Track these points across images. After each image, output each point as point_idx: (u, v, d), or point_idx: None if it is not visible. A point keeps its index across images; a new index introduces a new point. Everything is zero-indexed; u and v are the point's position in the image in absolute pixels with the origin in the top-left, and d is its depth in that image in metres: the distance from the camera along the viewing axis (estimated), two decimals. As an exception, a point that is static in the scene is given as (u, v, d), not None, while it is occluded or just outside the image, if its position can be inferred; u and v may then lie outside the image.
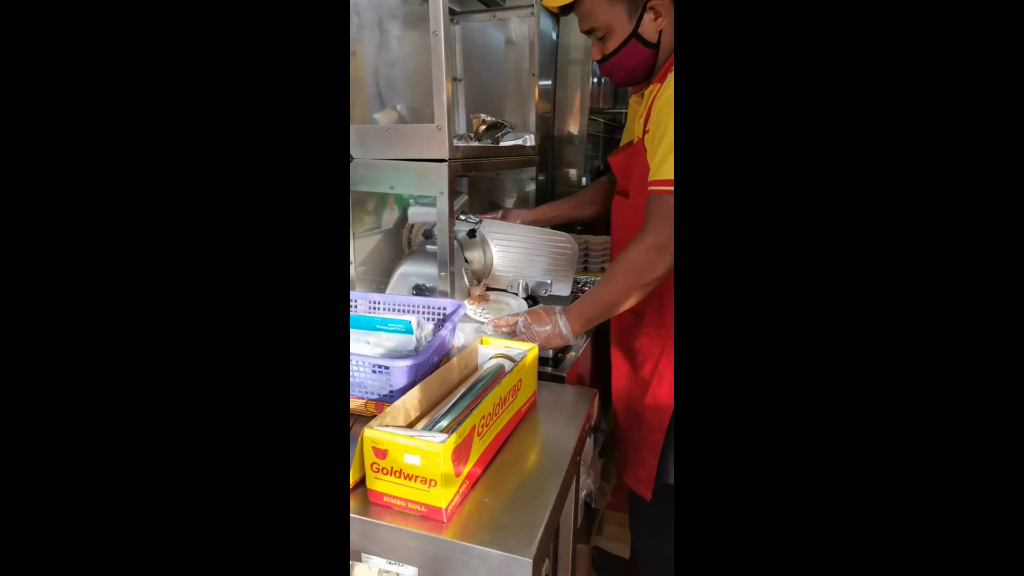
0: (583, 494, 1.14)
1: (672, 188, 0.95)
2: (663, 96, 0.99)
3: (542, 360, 1.13)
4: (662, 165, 0.96)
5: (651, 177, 0.99)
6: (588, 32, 1.09)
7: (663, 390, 1.09)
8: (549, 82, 2.32)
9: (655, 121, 1.01)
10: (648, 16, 1.03)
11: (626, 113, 1.32)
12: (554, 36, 2.29)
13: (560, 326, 1.07)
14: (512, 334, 1.09)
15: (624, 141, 1.26)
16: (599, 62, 1.11)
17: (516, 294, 1.25)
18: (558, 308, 1.09)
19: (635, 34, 1.04)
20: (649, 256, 0.98)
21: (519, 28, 1.63)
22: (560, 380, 1.08)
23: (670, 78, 1.00)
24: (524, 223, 1.40)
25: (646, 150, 1.04)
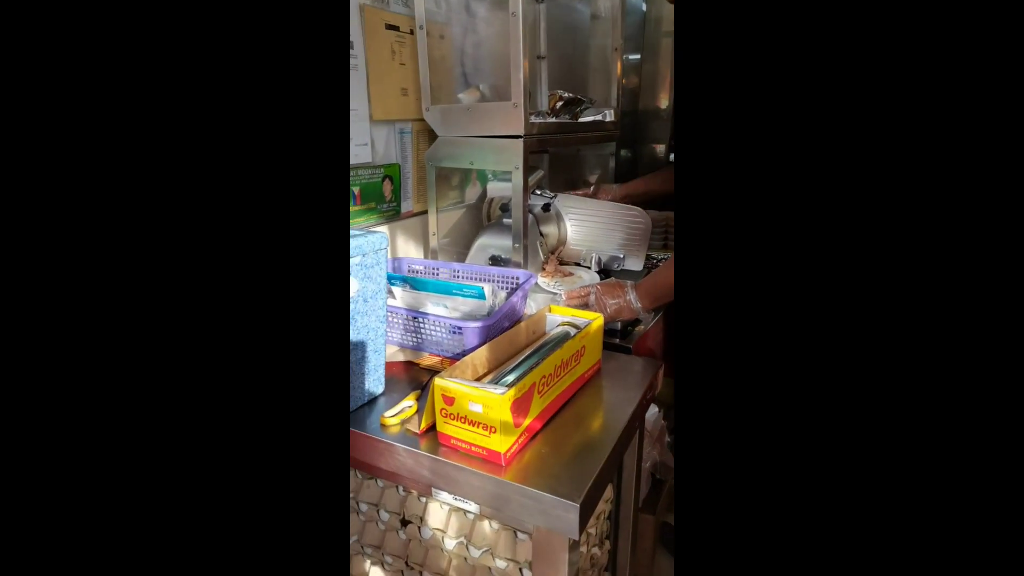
0: (647, 464, 1.17)
1: None
2: None
3: (611, 332, 1.16)
4: None
5: None
6: None
7: None
8: (639, 56, 2.28)
9: None
10: None
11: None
12: (643, 8, 2.24)
13: (631, 300, 1.11)
14: (585, 306, 1.13)
15: None
16: None
17: (589, 267, 1.28)
18: (630, 283, 1.11)
19: None
20: None
21: (605, 2, 1.62)
22: (627, 352, 1.11)
23: None
24: (615, 198, 1.42)
25: None
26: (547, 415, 0.83)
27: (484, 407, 0.71)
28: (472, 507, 0.76)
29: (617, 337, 1.15)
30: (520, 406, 0.74)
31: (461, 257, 1.33)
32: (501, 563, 0.88)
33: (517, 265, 1.18)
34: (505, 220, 1.21)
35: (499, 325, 0.98)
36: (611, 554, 1.20)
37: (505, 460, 0.72)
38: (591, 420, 0.86)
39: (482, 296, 1.03)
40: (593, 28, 1.74)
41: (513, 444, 0.74)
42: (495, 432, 0.71)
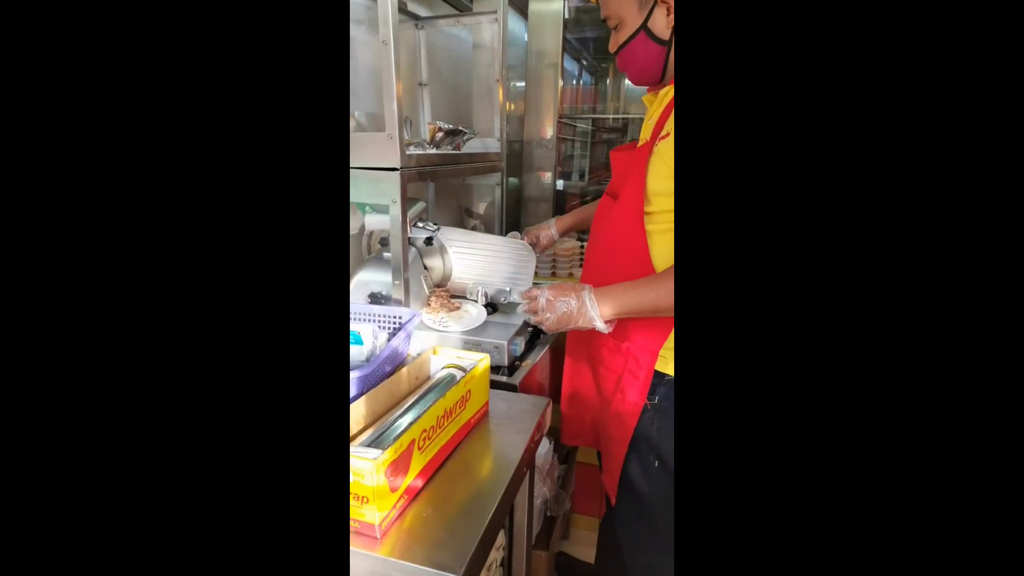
0: (538, 501, 1.15)
1: None
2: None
3: (496, 369, 1.13)
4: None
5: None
6: (605, 21, 1.06)
7: (626, 406, 1.07)
8: (523, 83, 2.32)
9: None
10: (660, 11, 0.97)
11: (613, 115, 1.29)
12: (525, 39, 2.29)
13: (587, 304, 0.96)
14: (535, 312, 0.99)
15: (641, 140, 1.14)
16: (613, 54, 1.07)
17: (476, 301, 1.25)
18: (588, 286, 0.98)
19: (644, 27, 0.99)
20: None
21: (487, 32, 1.63)
22: (514, 390, 1.08)
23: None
24: (558, 232, 1.39)
25: (651, 155, 0.98)
26: (429, 471, 0.77)
27: (355, 475, 0.64)
28: (345, 587, 0.68)
29: (503, 375, 1.13)
30: (398, 467, 0.67)
31: (339, 294, 1.24)
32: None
33: (398, 302, 1.11)
34: (385, 254, 1.15)
35: (379, 372, 0.91)
36: None
37: (381, 532, 0.65)
38: (478, 469, 0.82)
39: (359, 341, 0.95)
40: (476, 56, 1.74)
41: (390, 511, 0.67)
42: (367, 502, 0.64)
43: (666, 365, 1.01)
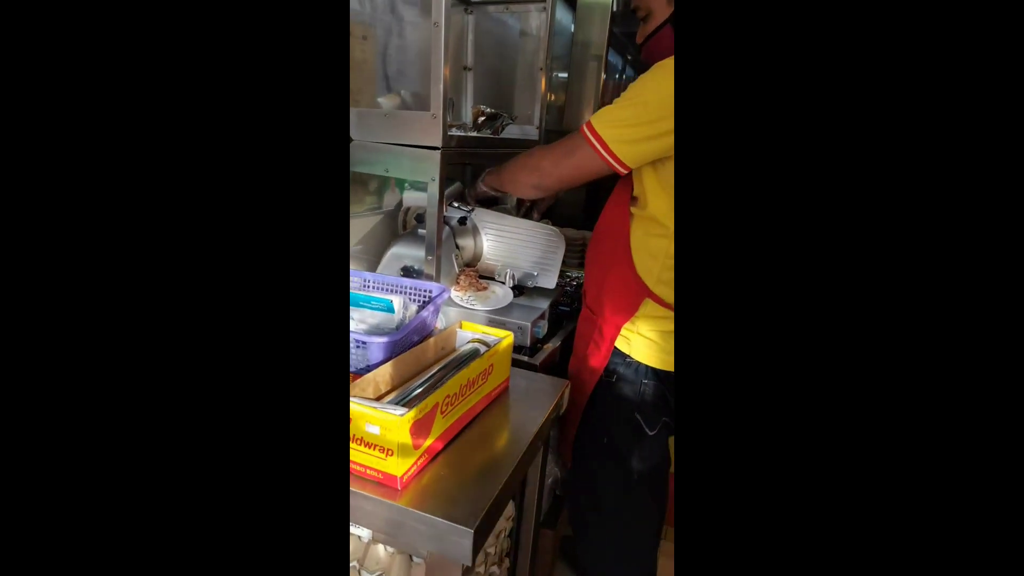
0: (549, 480, 1.19)
1: (591, 137, 0.97)
2: (653, 71, 0.95)
3: (518, 349, 1.16)
4: (601, 114, 0.98)
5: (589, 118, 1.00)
6: (634, 11, 1.09)
7: (584, 373, 1.14)
8: (566, 74, 2.33)
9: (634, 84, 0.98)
10: None
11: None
12: (571, 30, 2.30)
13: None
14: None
15: None
16: (640, 45, 1.10)
17: (504, 283, 1.28)
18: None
19: (672, 19, 1.01)
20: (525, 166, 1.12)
21: (535, 20, 1.65)
22: (535, 369, 1.12)
23: (664, 62, 0.94)
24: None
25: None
26: (449, 435, 0.81)
27: (382, 429, 0.69)
28: (364, 532, 0.73)
29: (525, 354, 1.16)
30: (421, 427, 0.72)
31: (373, 266, 1.29)
32: (394, 588, 0.85)
33: (429, 277, 1.15)
34: (420, 230, 1.19)
35: (407, 340, 0.95)
36: (510, 571, 1.20)
37: (401, 484, 0.70)
38: (495, 439, 0.86)
39: (390, 309, 1.00)
40: (522, 44, 1.76)
41: (411, 467, 0.72)
42: (392, 455, 0.69)
43: (627, 345, 1.09)
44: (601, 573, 1.27)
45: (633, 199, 1.06)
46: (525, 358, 1.14)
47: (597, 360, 1.12)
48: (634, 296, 1.06)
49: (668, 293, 1.04)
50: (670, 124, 0.91)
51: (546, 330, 1.23)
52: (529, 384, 1.03)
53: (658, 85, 0.92)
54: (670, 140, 0.92)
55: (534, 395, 1.00)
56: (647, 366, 1.07)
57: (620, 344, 1.10)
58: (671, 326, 1.04)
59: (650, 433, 1.09)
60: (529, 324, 1.15)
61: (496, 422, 0.90)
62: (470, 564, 0.66)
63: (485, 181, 1.22)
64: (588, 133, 0.98)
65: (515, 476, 0.78)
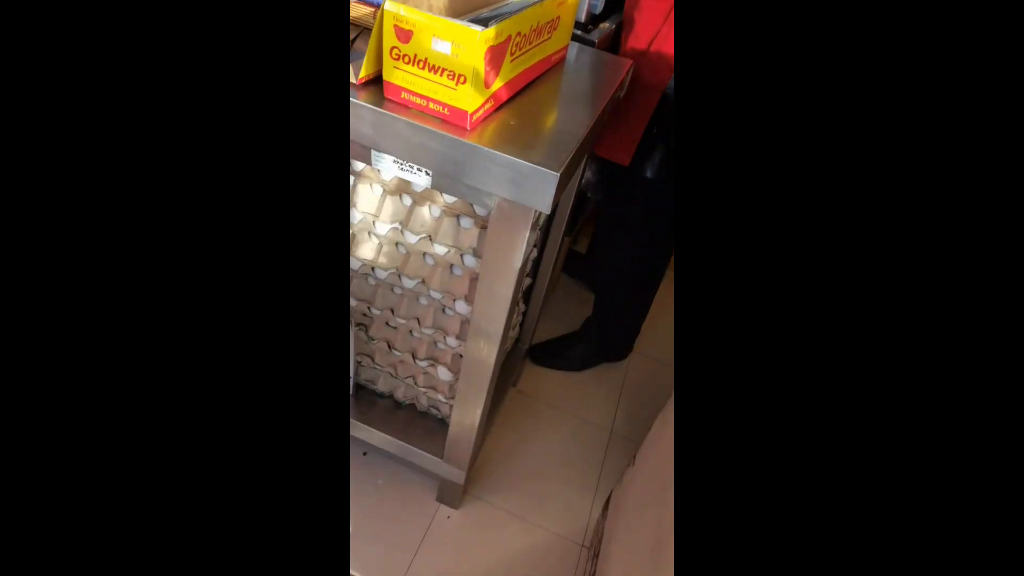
0: (581, 181, 1.13)
1: None
2: None
3: (575, 24, 0.98)
4: None
5: None
6: None
7: (661, 58, 1.01)
8: None
9: None
10: None
11: None
12: None
13: None
14: None
15: None
16: None
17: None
18: None
19: None
20: None
21: None
22: (591, 45, 0.96)
23: None
24: None
25: None
26: (515, 86, 0.69)
27: (454, 47, 0.55)
28: (421, 179, 0.66)
29: (579, 28, 0.98)
30: (495, 57, 0.59)
31: None
32: (440, 248, 0.82)
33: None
34: None
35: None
36: (528, 289, 1.22)
37: (471, 123, 0.60)
38: (560, 105, 0.74)
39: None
40: None
41: (482, 106, 0.61)
42: (464, 83, 0.57)
43: None
44: (609, 285, 1.34)
45: None
46: (579, 32, 0.97)
47: (670, 47, 0.98)
48: None
49: None
50: None
51: (603, 6, 1.03)
52: (588, 59, 0.88)
53: None
54: None
55: (595, 70, 0.86)
56: None
57: None
58: None
59: None
60: (587, -7, 0.95)
61: (557, 89, 0.78)
62: (548, 212, 0.61)
63: None
64: None
65: (591, 135, 0.69)
